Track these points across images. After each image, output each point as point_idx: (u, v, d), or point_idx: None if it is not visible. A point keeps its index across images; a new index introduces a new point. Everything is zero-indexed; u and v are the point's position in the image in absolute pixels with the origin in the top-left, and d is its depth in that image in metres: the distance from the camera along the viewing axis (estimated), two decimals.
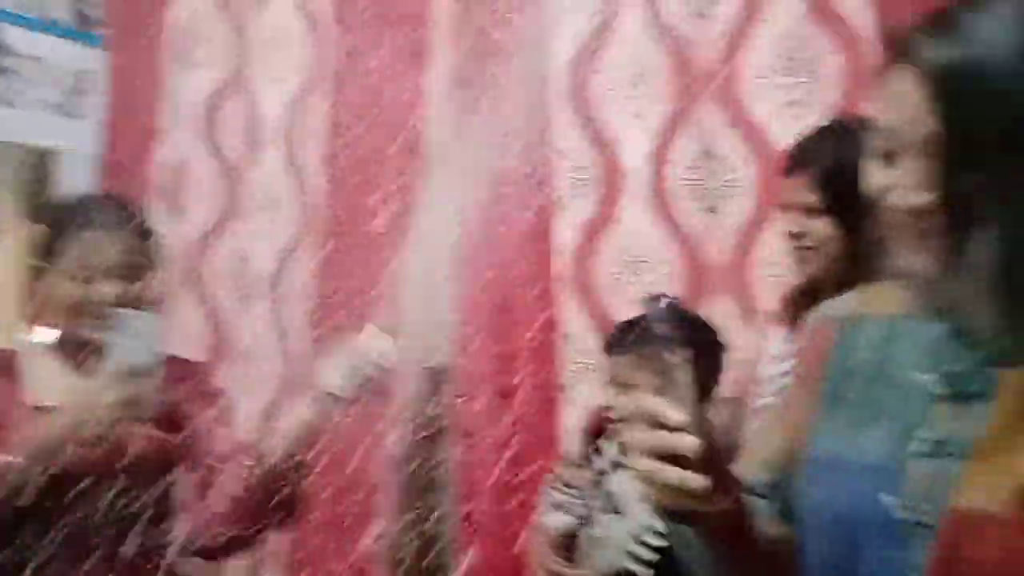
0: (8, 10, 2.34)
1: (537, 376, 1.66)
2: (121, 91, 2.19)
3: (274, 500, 1.20)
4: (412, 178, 1.79)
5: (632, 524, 1.27)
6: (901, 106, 0.63)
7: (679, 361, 0.66)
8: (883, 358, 0.71)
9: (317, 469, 1.24)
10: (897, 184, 0.64)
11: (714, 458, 0.65)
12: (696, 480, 0.64)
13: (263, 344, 1.87)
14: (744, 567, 0.73)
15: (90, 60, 2.48)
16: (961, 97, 0.61)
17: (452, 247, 1.74)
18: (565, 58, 1.68)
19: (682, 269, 1.61)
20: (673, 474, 0.64)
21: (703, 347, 0.66)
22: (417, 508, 1.75)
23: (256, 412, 1.83)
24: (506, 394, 1.66)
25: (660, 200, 1.62)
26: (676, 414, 0.64)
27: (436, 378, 1.70)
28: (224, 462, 1.22)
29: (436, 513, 1.69)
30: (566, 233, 1.67)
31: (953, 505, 0.62)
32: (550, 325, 1.67)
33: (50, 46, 2.43)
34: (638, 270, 1.65)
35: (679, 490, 0.65)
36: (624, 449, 0.70)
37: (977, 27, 0.61)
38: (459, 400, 1.69)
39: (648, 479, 0.66)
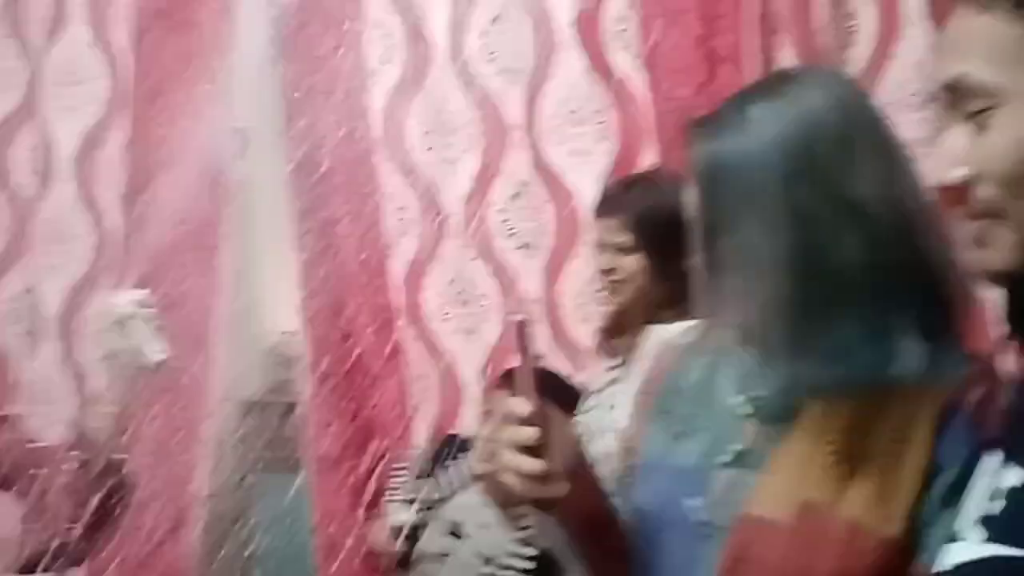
0: None
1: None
2: None
3: (108, 484, 1.15)
4: (220, 216, 1.80)
5: (483, 545, 1.37)
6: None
7: (526, 370, 0.74)
8: (708, 382, 0.83)
9: None
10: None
11: (551, 446, 0.72)
12: (529, 464, 0.71)
13: (54, 385, 1.80)
14: (607, 557, 0.81)
15: None
16: (711, 182, 0.76)
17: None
18: (380, 105, 1.76)
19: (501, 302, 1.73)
20: (513, 461, 0.72)
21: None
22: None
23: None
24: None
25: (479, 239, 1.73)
26: (522, 407, 0.72)
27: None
28: (44, 466, 1.17)
29: None
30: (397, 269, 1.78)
31: (745, 512, 0.73)
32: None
33: None
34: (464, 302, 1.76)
35: (525, 477, 0.72)
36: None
37: (727, 125, 0.76)
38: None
39: (494, 470, 0.73)
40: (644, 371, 0.94)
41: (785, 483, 0.73)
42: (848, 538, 0.69)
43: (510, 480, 0.73)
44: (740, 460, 0.76)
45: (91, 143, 1.88)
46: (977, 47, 0.56)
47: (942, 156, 0.57)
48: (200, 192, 1.79)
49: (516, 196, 1.73)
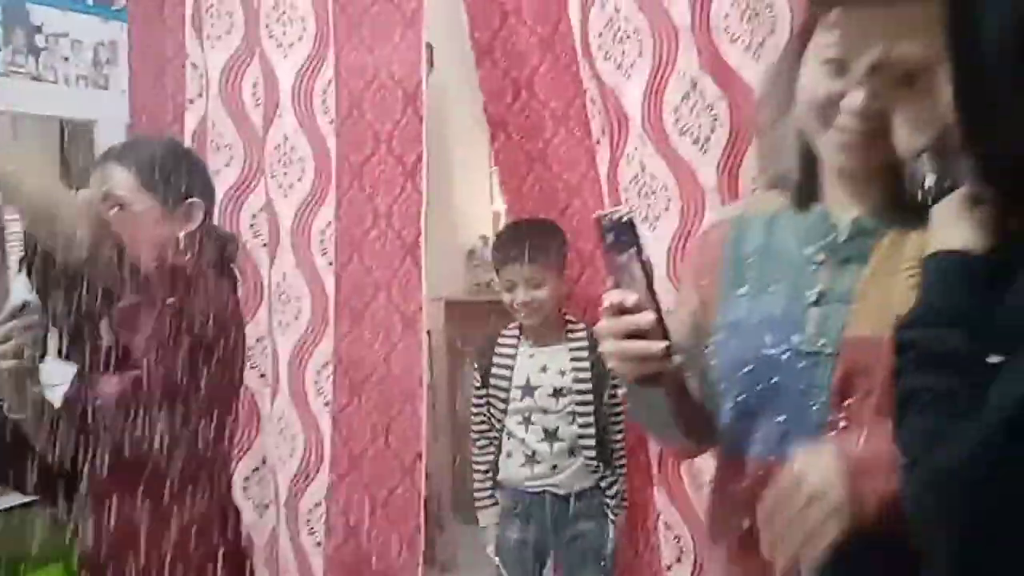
0: None
1: None
2: (146, 62, 2.40)
3: None
4: (413, 131, 2.01)
5: None
6: None
7: (628, 258, 0.87)
8: (769, 242, 0.96)
9: None
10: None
11: (665, 326, 0.87)
12: (657, 345, 0.86)
13: (292, 285, 2.12)
14: (686, 413, 0.98)
15: (112, 33, 2.69)
16: None
17: None
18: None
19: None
20: (637, 347, 0.86)
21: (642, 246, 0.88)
22: None
23: (291, 346, 2.10)
24: None
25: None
26: (631, 298, 0.86)
27: None
28: None
29: None
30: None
31: (848, 335, 0.87)
32: None
33: (75, 23, 2.64)
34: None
35: (643, 359, 0.86)
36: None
37: None
38: None
39: (617, 356, 0.87)
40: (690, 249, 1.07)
41: (876, 307, 0.85)
42: None
43: (635, 366, 0.87)
44: (825, 298, 0.89)
45: (304, 76, 2.13)
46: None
47: None
48: (399, 110, 2.02)
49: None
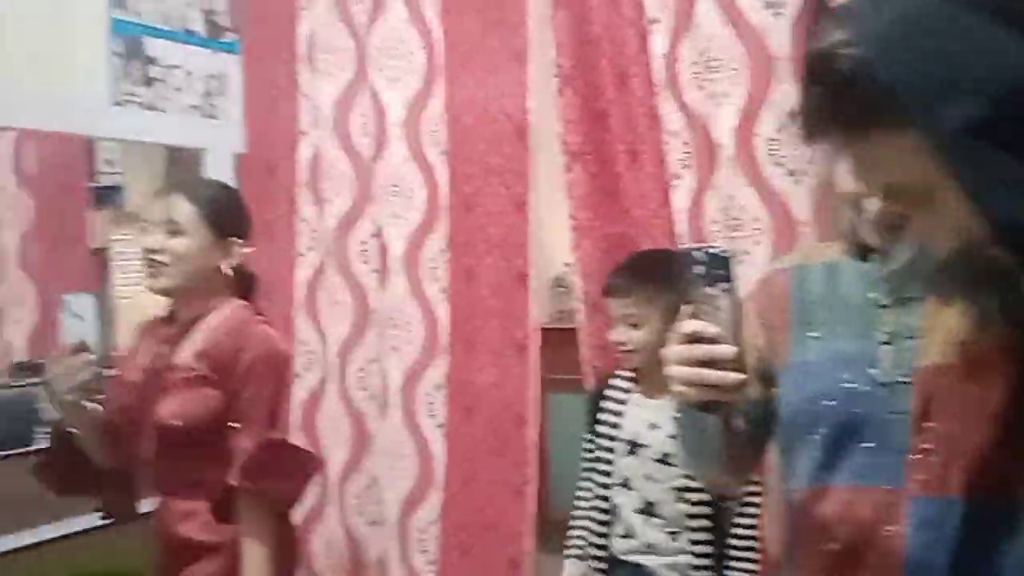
0: (153, 25, 2.66)
1: None
2: (259, 94, 2.50)
3: None
4: (521, 162, 2.07)
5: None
6: None
7: (718, 292, 0.91)
8: (833, 288, 1.05)
9: None
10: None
11: (744, 362, 0.93)
12: (735, 377, 0.91)
13: (402, 311, 2.19)
14: (733, 445, 1.04)
15: (222, 65, 2.80)
16: None
17: None
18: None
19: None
20: (716, 375, 0.91)
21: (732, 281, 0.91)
22: None
23: (403, 368, 2.17)
24: None
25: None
26: (712, 329, 0.91)
27: None
28: None
29: None
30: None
31: (921, 365, 0.95)
32: None
33: (188, 54, 2.76)
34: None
35: (717, 387, 0.91)
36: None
37: None
38: None
39: (688, 380, 0.92)
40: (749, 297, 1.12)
41: (941, 337, 0.94)
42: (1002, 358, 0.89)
43: (706, 393, 0.92)
44: (894, 335, 0.97)
45: (414, 108, 2.21)
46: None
47: None
48: (508, 142, 2.09)
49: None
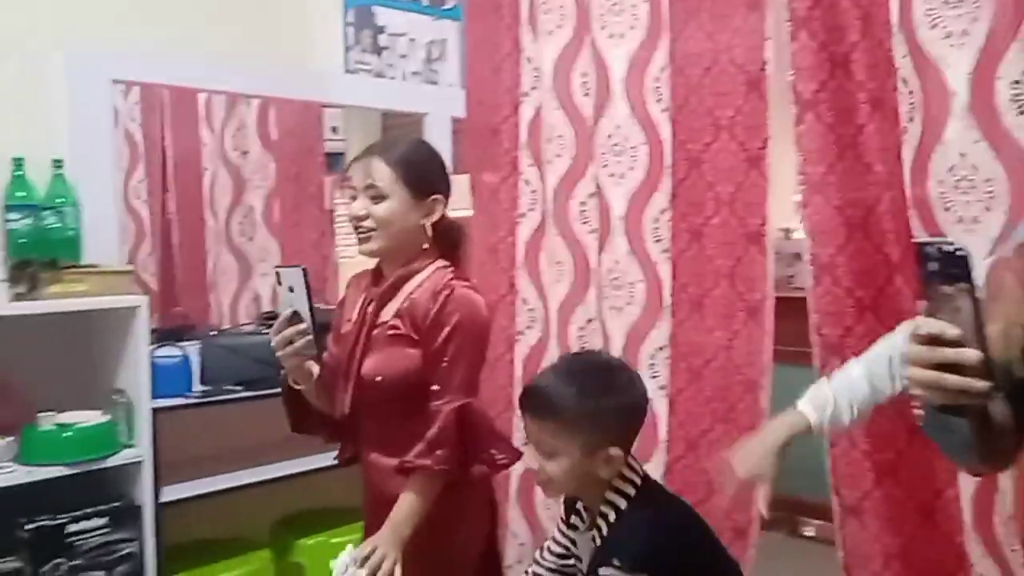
0: None
1: None
2: (481, 58, 2.54)
3: None
4: (756, 115, 1.98)
5: None
6: None
7: (956, 292, 0.84)
8: None
9: None
10: None
11: (991, 366, 0.85)
12: (980, 384, 0.85)
13: (624, 271, 2.17)
14: (986, 438, 0.95)
15: (442, 31, 2.89)
16: None
17: None
18: None
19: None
20: (958, 382, 0.85)
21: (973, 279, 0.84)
22: None
23: (624, 329, 2.16)
24: None
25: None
26: (953, 331, 0.85)
27: None
28: None
29: None
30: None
31: None
32: None
33: (413, 22, 2.86)
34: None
35: (960, 392, 0.86)
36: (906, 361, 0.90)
37: None
38: None
39: (929, 384, 0.87)
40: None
41: None
42: None
43: (950, 397, 0.86)
44: None
45: (636, 65, 2.17)
46: None
47: None
48: (742, 95, 2.00)
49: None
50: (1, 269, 1.96)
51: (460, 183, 3.13)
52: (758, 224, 1.96)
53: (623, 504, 1.44)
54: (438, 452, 1.57)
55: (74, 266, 2.14)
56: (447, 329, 1.60)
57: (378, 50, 2.84)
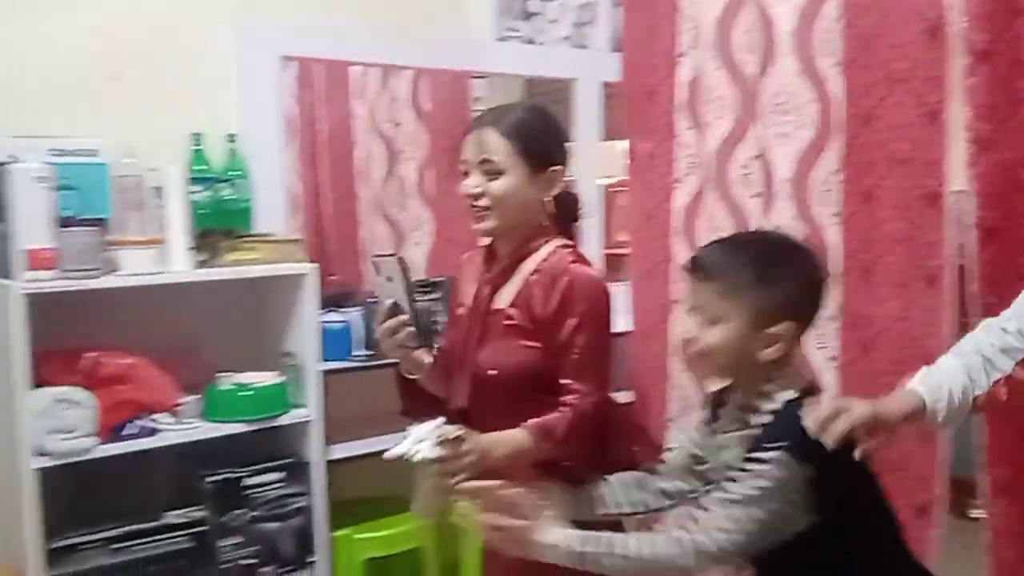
0: None
1: None
2: (638, 19, 2.48)
3: None
4: (936, 67, 1.84)
5: None
6: None
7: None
8: None
9: None
10: None
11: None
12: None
13: None
14: None
15: None
16: None
17: None
18: None
19: None
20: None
21: None
22: None
23: None
24: None
25: None
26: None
27: None
28: None
29: None
30: None
31: None
32: None
33: None
34: None
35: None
36: None
37: None
38: None
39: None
40: None
41: None
42: None
43: None
44: None
45: (805, 18, 2.06)
46: None
47: None
48: (920, 46, 1.86)
49: None
50: (187, 238, 2.08)
51: (609, 149, 3.11)
52: (936, 185, 1.82)
53: (781, 401, 1.25)
54: (568, 439, 1.50)
55: (247, 235, 2.25)
56: (575, 320, 1.50)
57: (528, 16, 2.82)
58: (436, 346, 1.67)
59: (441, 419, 1.48)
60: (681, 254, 2.35)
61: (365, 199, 3.20)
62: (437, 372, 1.64)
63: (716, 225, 2.26)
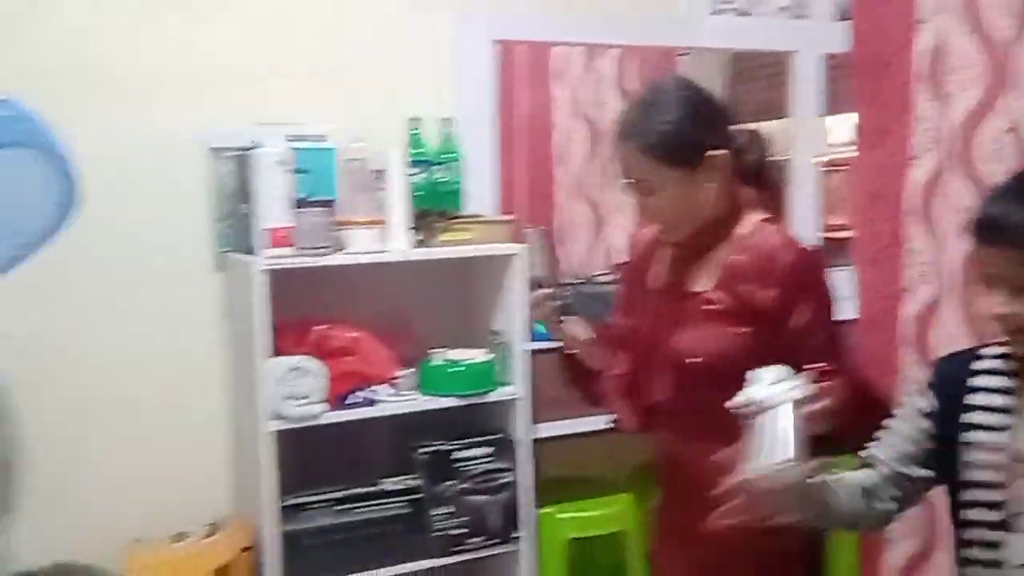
0: None
1: None
2: None
3: None
4: None
5: None
6: None
7: None
8: None
9: None
10: None
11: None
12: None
13: None
14: None
15: None
16: None
17: None
18: None
19: None
20: None
21: None
22: None
23: None
24: None
25: None
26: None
27: None
28: None
29: None
30: None
31: None
32: None
33: None
34: None
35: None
36: None
37: None
38: None
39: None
40: None
41: None
42: None
43: None
44: None
45: None
46: None
47: None
48: None
49: None
50: (406, 219, 2.16)
51: (830, 125, 2.92)
52: None
53: None
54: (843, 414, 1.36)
55: (459, 216, 2.30)
56: (803, 305, 1.42)
57: None
58: (602, 323, 1.66)
59: (777, 366, 1.28)
60: (916, 236, 2.16)
61: (563, 183, 3.21)
62: (600, 349, 1.65)
63: (958, 206, 2.05)
